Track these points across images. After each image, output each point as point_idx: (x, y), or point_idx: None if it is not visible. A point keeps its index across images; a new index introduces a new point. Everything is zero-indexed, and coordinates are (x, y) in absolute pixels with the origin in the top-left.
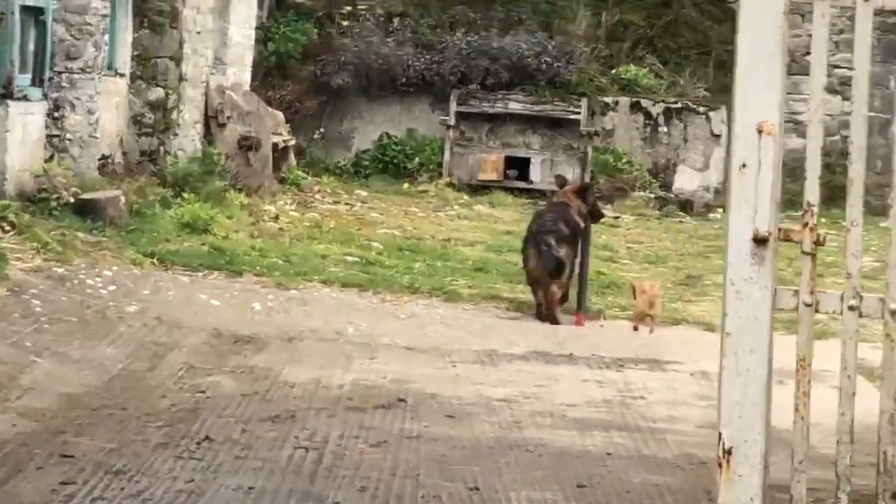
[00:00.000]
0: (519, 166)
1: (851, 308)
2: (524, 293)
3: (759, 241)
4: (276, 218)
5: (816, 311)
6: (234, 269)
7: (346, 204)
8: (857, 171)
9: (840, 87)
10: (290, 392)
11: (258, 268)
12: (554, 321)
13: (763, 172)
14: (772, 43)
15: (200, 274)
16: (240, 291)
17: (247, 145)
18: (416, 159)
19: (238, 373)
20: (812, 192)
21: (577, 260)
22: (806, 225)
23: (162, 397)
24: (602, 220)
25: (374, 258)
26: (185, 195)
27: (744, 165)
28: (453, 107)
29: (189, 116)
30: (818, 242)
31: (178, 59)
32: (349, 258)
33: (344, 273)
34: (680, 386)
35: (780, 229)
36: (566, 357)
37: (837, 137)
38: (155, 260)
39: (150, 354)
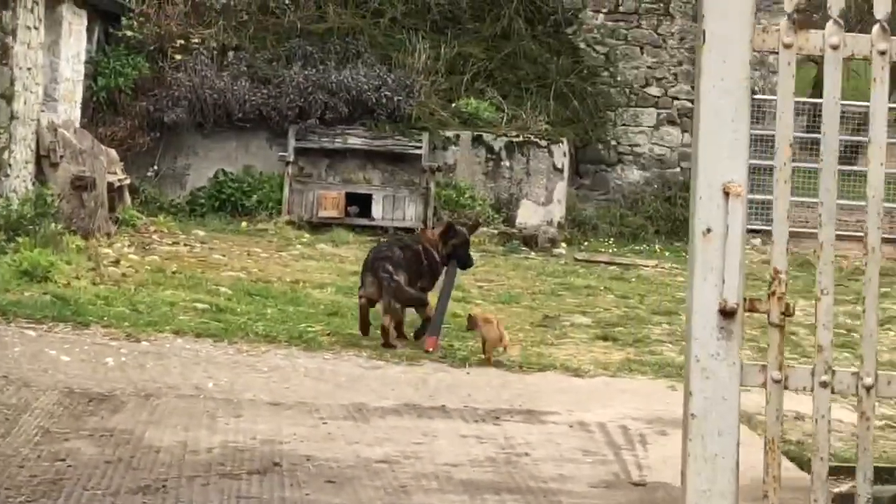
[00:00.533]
0: (360, 203)
1: (823, 384)
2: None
3: (727, 314)
4: (117, 262)
5: (786, 387)
6: (80, 321)
7: (186, 245)
8: (826, 235)
9: (679, 118)
10: (157, 458)
11: (105, 318)
12: (387, 346)
13: (731, 238)
14: (737, 97)
15: (45, 326)
16: (90, 345)
17: (81, 185)
18: (254, 197)
19: (97, 436)
20: (780, 258)
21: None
22: (773, 294)
23: (19, 467)
24: (468, 266)
25: (223, 304)
26: (20, 239)
27: (708, 230)
28: (292, 142)
29: (20, 156)
30: (787, 313)
31: (8, 97)
32: (198, 305)
33: (195, 322)
34: (561, 440)
35: (745, 299)
36: (439, 410)
37: (678, 169)
38: None
39: (1, 418)
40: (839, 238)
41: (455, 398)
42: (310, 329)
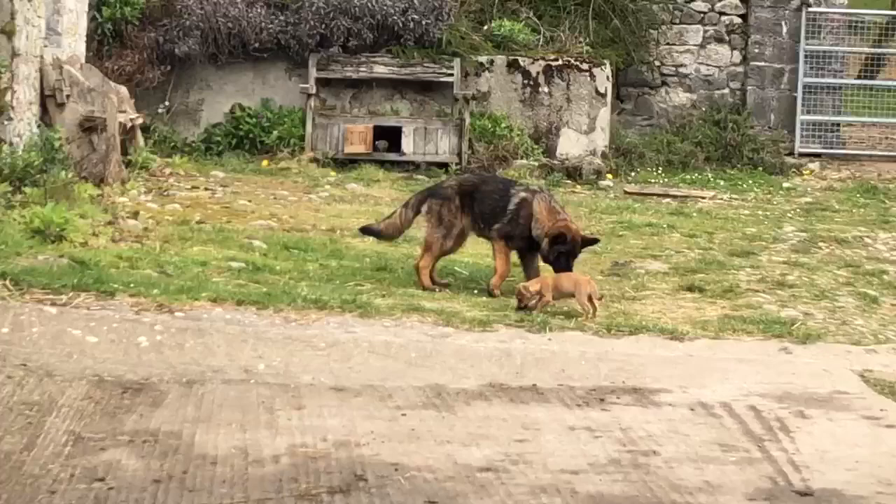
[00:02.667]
0: (389, 136)
1: None
2: (447, 299)
3: None
4: (136, 214)
5: None
6: (104, 289)
7: (206, 189)
8: None
9: (728, 35)
10: (215, 472)
11: (132, 285)
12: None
13: None
14: None
15: (65, 297)
16: (119, 321)
17: (91, 127)
18: (275, 133)
19: (139, 442)
20: None
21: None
22: None
23: (50, 493)
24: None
25: (260, 262)
26: (27, 190)
27: None
28: (313, 73)
29: (24, 97)
30: None
31: (9, 32)
32: (232, 264)
33: (232, 285)
34: (688, 429)
35: None
36: (531, 391)
37: (727, 91)
38: (8, 282)
39: (23, 423)
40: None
41: (546, 375)
42: (360, 288)
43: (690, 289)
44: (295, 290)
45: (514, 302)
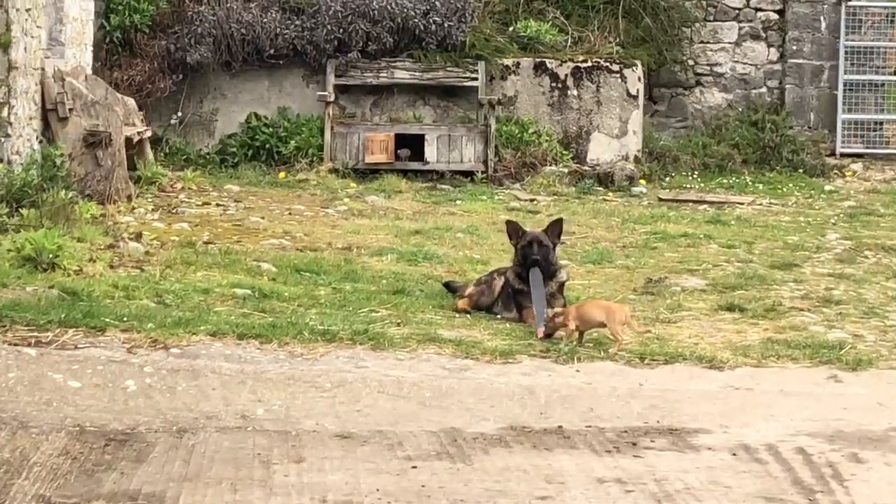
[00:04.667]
0: (411, 144)
1: None
2: (467, 326)
3: None
4: (139, 236)
5: None
6: (94, 324)
7: (218, 205)
8: None
9: (764, 31)
10: None
11: (125, 318)
12: None
13: None
14: None
15: (51, 335)
16: (105, 363)
17: (95, 142)
18: (292, 143)
19: None
20: None
21: None
22: None
23: None
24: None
25: (267, 287)
26: (24, 212)
27: None
28: (331, 79)
29: (23, 112)
30: None
31: (5, 44)
32: (237, 290)
33: (235, 316)
34: (730, 479)
35: None
36: (557, 435)
37: (764, 90)
38: None
39: None
40: None
41: (573, 415)
42: (374, 314)
43: (730, 308)
44: (302, 320)
45: (536, 330)
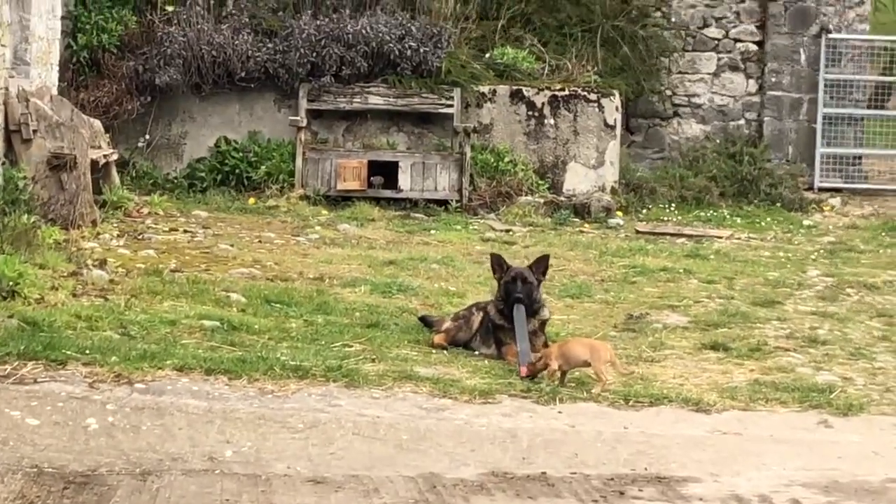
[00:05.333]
0: (385, 172)
1: None
2: (444, 363)
3: None
4: (103, 263)
5: None
6: (54, 357)
7: (186, 231)
8: None
9: (743, 63)
10: None
11: (88, 351)
12: None
13: None
14: None
15: (9, 367)
16: (66, 399)
17: (59, 165)
18: (263, 168)
19: None
20: None
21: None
22: None
23: None
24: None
25: (237, 319)
26: None
27: None
28: (303, 104)
29: None
30: None
31: None
32: (205, 322)
33: (203, 349)
34: None
35: None
36: (540, 482)
37: (742, 122)
38: None
39: None
40: None
41: (557, 460)
42: (348, 349)
43: (714, 347)
44: (273, 355)
45: (517, 369)
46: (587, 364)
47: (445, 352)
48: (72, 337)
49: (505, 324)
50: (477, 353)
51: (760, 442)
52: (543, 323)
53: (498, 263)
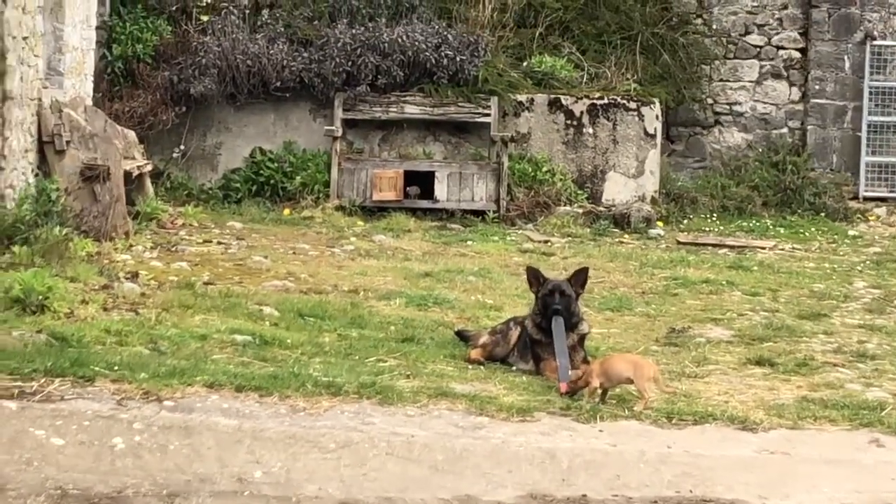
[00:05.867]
0: (421, 182)
1: None
2: (481, 379)
3: None
4: (135, 276)
5: None
6: (82, 374)
7: (220, 243)
8: None
9: (786, 70)
10: None
11: (117, 367)
12: None
13: None
14: None
15: (36, 384)
16: (92, 418)
17: (92, 176)
18: (298, 178)
19: None
20: None
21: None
22: None
23: None
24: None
25: (269, 334)
26: (16, 249)
27: None
28: (339, 113)
29: (18, 144)
30: None
31: (0, 74)
32: (237, 337)
33: (234, 365)
34: None
35: None
36: None
37: (785, 130)
38: None
39: None
40: None
41: (598, 482)
42: (382, 364)
43: (760, 362)
44: (305, 371)
45: (556, 384)
46: (630, 381)
47: (482, 367)
48: (101, 352)
49: (543, 338)
50: (514, 368)
51: (810, 463)
52: (583, 337)
53: (535, 276)
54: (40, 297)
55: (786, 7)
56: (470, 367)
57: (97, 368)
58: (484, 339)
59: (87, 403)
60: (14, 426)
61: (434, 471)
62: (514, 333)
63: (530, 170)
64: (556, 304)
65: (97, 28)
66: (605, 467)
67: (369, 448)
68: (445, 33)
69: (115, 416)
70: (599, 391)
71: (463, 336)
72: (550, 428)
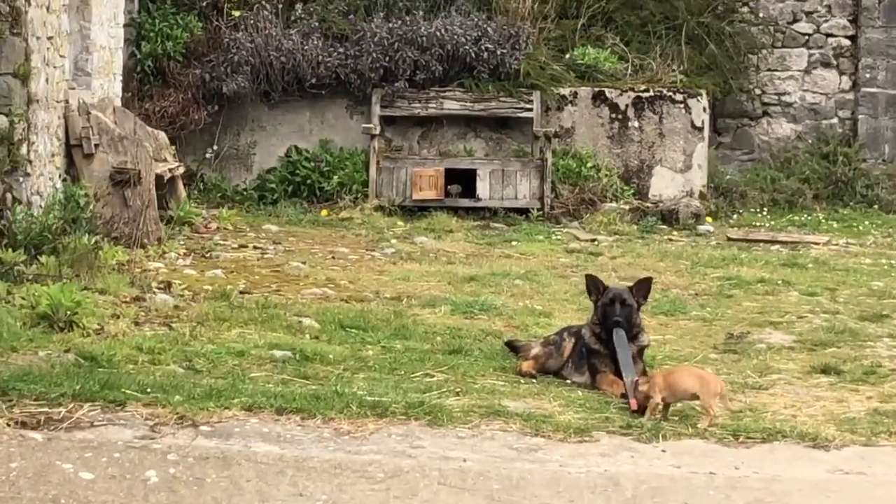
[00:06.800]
0: (462, 180)
1: None
2: (534, 395)
3: None
4: (168, 286)
5: None
6: (112, 398)
7: (256, 247)
8: None
9: (835, 59)
10: None
11: (149, 389)
12: None
13: None
14: None
15: (64, 410)
16: (123, 449)
17: (123, 180)
18: (335, 178)
19: None
20: None
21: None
22: None
23: None
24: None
25: (310, 348)
26: (43, 259)
27: None
28: (376, 110)
29: (44, 149)
30: None
31: (24, 76)
32: (276, 352)
33: (273, 383)
34: None
35: None
36: None
37: (835, 120)
38: None
39: None
40: None
41: None
42: (429, 379)
43: (825, 370)
44: (349, 390)
45: (614, 400)
46: (695, 397)
47: (534, 381)
48: (132, 373)
49: (601, 349)
50: (569, 381)
51: (890, 485)
52: (642, 350)
53: (594, 285)
54: (68, 313)
55: None
56: (522, 380)
57: (128, 391)
58: (536, 350)
59: (118, 431)
60: (40, 459)
61: (490, 501)
62: (568, 345)
63: (574, 165)
64: (616, 315)
65: (125, 26)
66: (672, 494)
67: (420, 477)
68: (485, 26)
69: (148, 446)
70: (661, 406)
71: (513, 347)
72: (610, 449)
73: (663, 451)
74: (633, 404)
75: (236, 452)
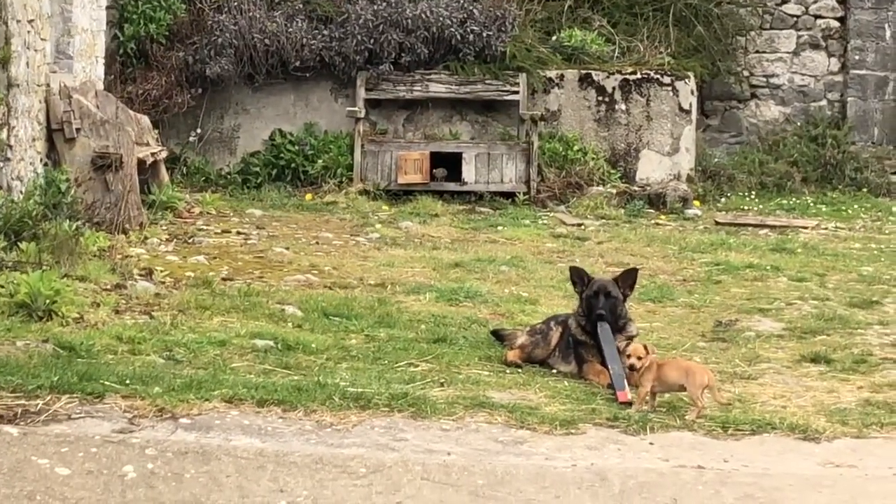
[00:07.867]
0: (448, 163)
1: None
2: (520, 386)
3: None
4: (150, 273)
5: None
6: (91, 390)
7: (239, 233)
8: None
9: (824, 40)
10: None
11: (128, 381)
12: None
13: None
14: None
15: (41, 402)
16: (100, 443)
17: (104, 165)
18: (319, 162)
19: None
20: None
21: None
22: None
23: None
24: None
25: (292, 337)
26: (23, 245)
27: None
28: (361, 93)
29: (25, 133)
30: None
31: (4, 60)
32: (258, 341)
33: (255, 373)
34: None
35: None
36: None
37: (824, 103)
38: None
39: None
40: None
41: None
42: (413, 369)
43: (815, 359)
44: (332, 381)
45: (601, 390)
46: (682, 389)
47: (520, 370)
48: (111, 363)
49: (587, 339)
50: (555, 370)
51: (882, 480)
52: (630, 339)
53: (578, 276)
54: (47, 302)
55: None
56: (507, 370)
57: (107, 383)
58: (522, 339)
59: (96, 424)
60: (15, 454)
61: (475, 497)
62: (555, 334)
63: (561, 149)
64: (600, 306)
65: (107, 7)
66: (660, 489)
67: (403, 472)
68: (471, 7)
69: (126, 440)
70: (648, 397)
71: (499, 336)
72: (597, 441)
73: (651, 443)
74: (622, 396)
75: (216, 447)
